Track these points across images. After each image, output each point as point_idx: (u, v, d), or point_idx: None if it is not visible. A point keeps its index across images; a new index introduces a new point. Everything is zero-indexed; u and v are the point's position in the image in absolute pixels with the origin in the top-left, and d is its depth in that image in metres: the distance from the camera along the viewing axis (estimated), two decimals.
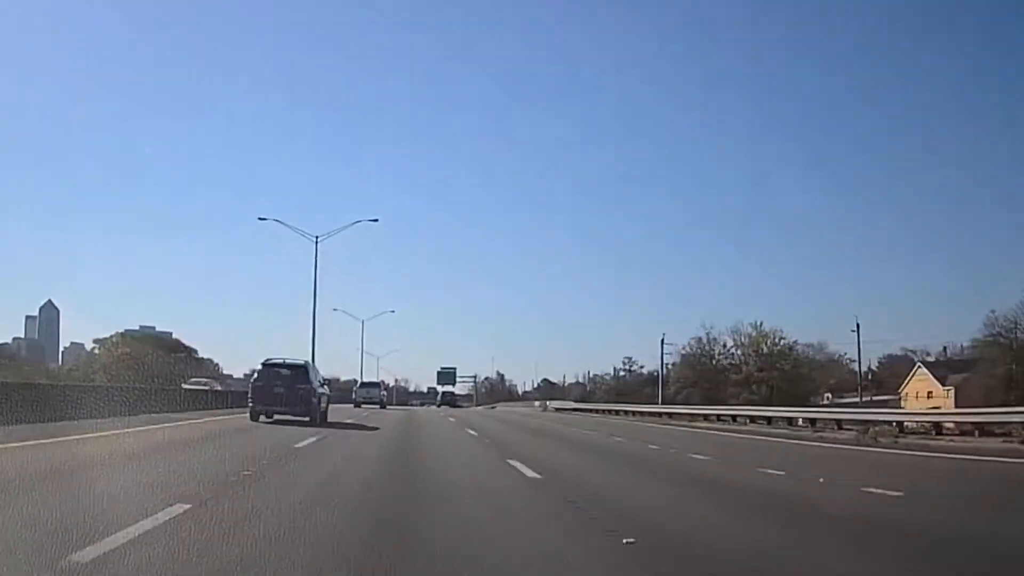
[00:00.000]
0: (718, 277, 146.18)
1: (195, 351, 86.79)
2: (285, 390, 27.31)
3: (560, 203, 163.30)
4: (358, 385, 74.09)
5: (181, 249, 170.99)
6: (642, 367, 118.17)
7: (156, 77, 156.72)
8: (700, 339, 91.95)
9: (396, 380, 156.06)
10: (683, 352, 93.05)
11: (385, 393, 72.59)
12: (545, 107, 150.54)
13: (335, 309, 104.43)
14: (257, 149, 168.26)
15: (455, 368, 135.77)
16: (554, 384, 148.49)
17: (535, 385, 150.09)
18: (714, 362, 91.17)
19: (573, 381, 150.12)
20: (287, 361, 29.18)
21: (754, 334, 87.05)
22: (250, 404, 27.81)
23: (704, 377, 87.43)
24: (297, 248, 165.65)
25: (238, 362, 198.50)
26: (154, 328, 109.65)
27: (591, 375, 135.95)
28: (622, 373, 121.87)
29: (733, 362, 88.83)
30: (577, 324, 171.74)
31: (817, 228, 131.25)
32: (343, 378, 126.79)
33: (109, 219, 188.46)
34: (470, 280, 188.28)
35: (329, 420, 29.44)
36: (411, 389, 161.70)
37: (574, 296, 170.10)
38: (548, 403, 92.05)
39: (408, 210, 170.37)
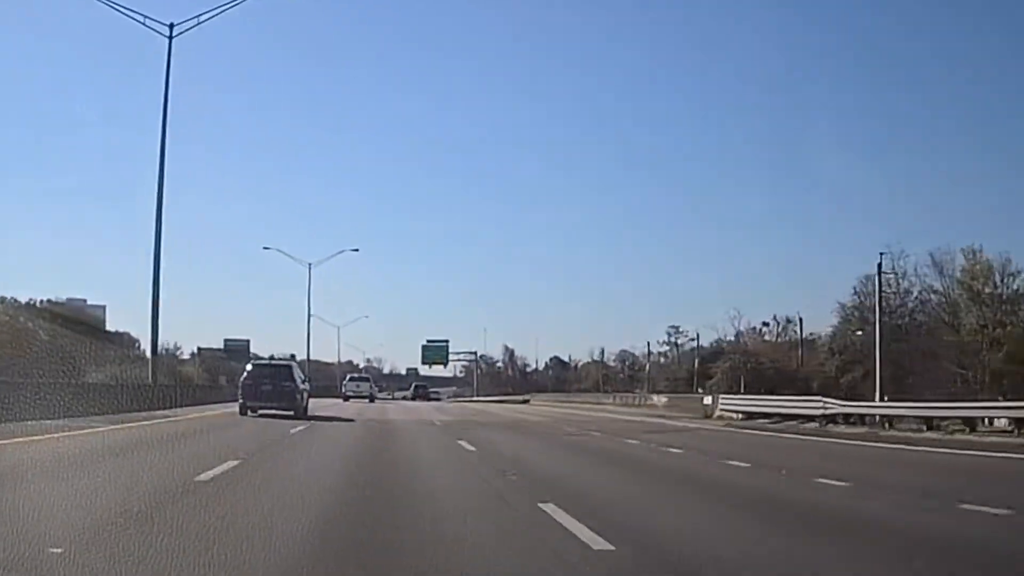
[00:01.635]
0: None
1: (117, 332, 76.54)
2: (272, 387, 29.71)
3: (577, 157, 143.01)
4: (347, 379, 75.27)
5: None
6: (692, 339, 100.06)
7: None
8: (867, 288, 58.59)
9: (368, 361, 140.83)
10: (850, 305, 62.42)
11: (373, 387, 76.60)
12: (565, 53, 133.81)
13: (265, 248, 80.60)
14: None
15: (447, 342, 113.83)
16: (566, 363, 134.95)
17: (544, 365, 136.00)
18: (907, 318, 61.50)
19: (588, 360, 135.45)
20: (274, 361, 34.61)
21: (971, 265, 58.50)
22: (240, 400, 30.50)
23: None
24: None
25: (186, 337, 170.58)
26: (84, 301, 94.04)
27: (614, 352, 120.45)
28: (665, 347, 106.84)
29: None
30: (589, 294, 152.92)
31: None
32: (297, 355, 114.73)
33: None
34: (463, 236, 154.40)
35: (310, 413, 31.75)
36: (387, 371, 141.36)
37: (590, 262, 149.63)
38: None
39: (398, 164, 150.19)
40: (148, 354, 37.72)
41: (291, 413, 29.01)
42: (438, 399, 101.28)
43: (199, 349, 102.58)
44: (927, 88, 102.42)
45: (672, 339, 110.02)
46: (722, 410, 37.02)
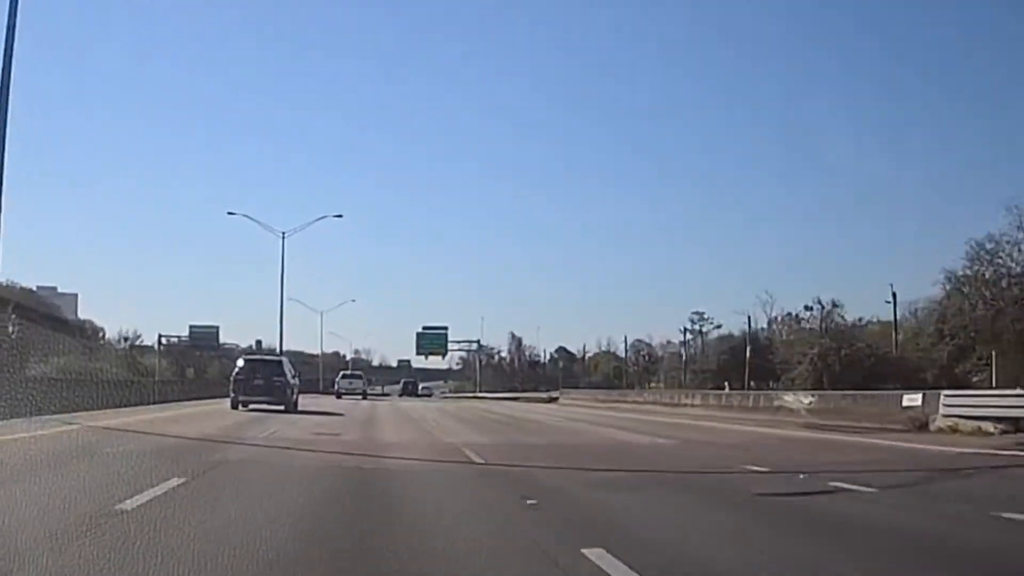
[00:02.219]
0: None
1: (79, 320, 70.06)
2: (263, 382, 30.77)
3: (585, 139, 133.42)
4: (340, 376, 73.96)
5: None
6: (718, 325, 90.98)
7: None
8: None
9: (356, 352, 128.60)
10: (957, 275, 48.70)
11: (366, 383, 76.21)
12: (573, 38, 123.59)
13: (230, 213, 65.94)
14: None
15: (446, 329, 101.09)
16: (572, 355, 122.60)
17: (549, 357, 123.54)
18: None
19: (597, 351, 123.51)
20: (265, 357, 37.13)
21: None
22: (232, 394, 31.09)
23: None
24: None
25: (146, 325, 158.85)
26: (54, 288, 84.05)
27: (627, 342, 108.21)
28: (683, 337, 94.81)
29: None
30: (595, 281, 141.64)
31: None
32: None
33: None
34: (460, 218, 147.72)
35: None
36: (376, 363, 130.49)
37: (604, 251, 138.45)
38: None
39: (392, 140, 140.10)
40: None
41: (282, 408, 29.86)
42: (428, 394, 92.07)
43: (161, 338, 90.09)
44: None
45: (696, 327, 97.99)
46: (949, 416, 23.11)
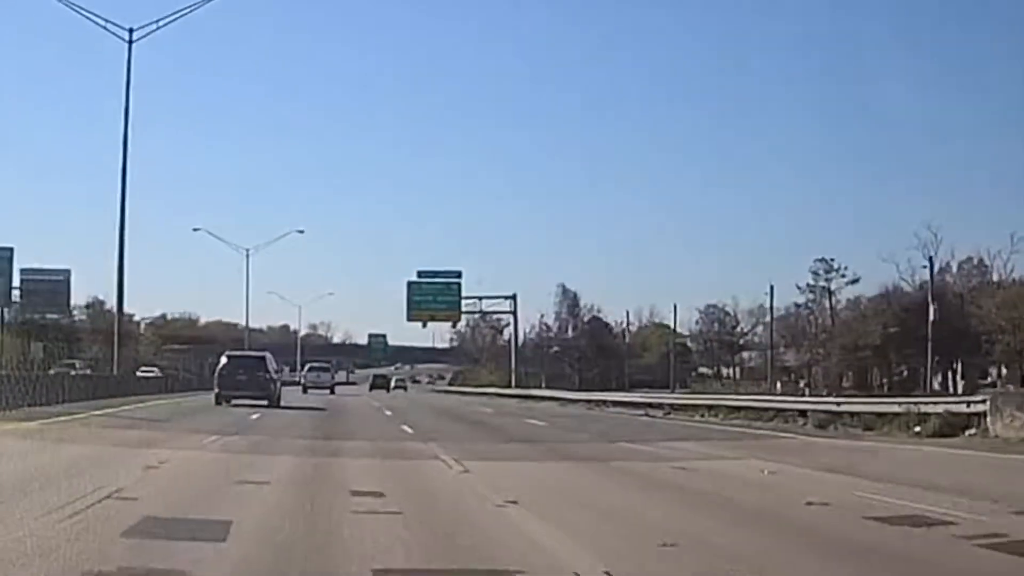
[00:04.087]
0: None
1: None
2: (247, 377, 31.66)
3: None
4: (306, 369, 66.15)
5: None
6: (854, 279, 67.92)
7: None
8: None
9: (313, 328, 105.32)
10: None
11: (333, 375, 68.26)
12: None
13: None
14: None
15: (458, 276, 67.97)
16: (608, 327, 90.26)
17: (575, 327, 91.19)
18: None
19: (639, 323, 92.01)
20: (249, 353, 37.79)
21: None
22: (216, 390, 31.97)
23: None
24: None
25: None
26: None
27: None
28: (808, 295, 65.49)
29: None
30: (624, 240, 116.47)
31: None
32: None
33: None
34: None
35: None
36: (336, 340, 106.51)
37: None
38: None
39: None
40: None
41: (265, 402, 30.65)
42: (403, 387, 79.75)
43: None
44: None
45: (821, 281, 67.49)
46: None
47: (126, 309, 79.89)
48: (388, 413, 31.39)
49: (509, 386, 65.67)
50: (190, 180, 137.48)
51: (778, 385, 75.18)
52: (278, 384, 33.71)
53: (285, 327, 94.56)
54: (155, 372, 56.04)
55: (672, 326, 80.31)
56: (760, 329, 75.57)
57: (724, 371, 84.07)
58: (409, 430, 22.12)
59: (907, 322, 60.17)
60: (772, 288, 68.16)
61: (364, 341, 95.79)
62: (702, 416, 31.70)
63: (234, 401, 30.70)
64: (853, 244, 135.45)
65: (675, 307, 77.87)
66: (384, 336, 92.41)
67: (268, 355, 35.21)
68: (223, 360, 33.28)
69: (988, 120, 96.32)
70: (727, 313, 79.86)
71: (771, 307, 67.86)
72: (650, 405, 39.11)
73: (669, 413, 34.51)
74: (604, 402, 43.05)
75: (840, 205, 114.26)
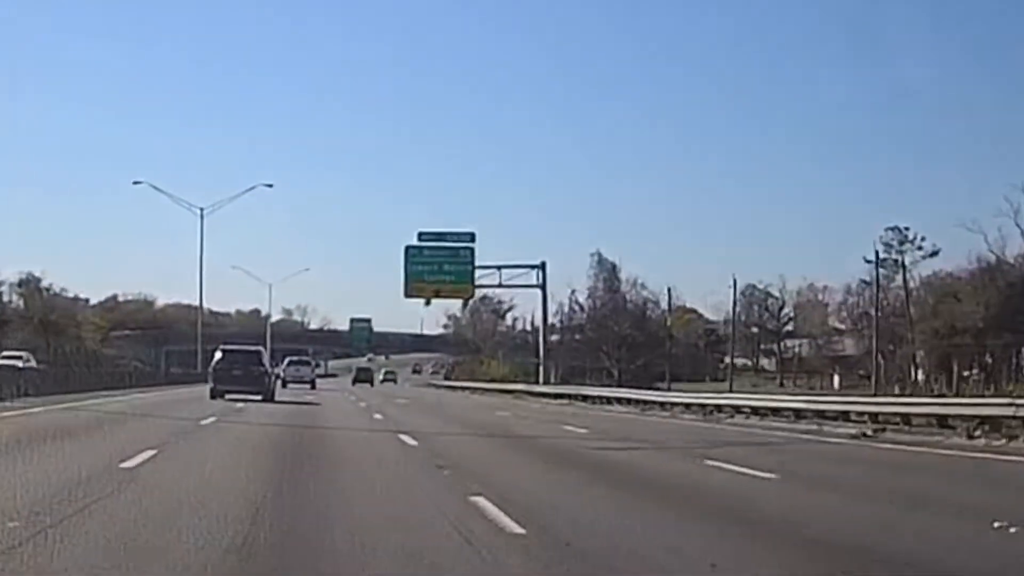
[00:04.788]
0: None
1: None
2: (242, 372, 32.10)
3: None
4: (286, 363, 58.08)
5: None
6: (934, 252, 60.75)
7: None
8: None
9: (288, 313, 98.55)
10: None
11: (313, 370, 62.11)
12: None
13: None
14: None
15: (471, 239, 55.65)
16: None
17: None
18: None
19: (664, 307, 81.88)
20: (244, 347, 35.08)
21: None
22: (211, 385, 32.48)
23: None
24: None
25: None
26: None
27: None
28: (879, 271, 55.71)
29: None
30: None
31: None
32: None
33: None
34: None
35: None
36: (313, 326, 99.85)
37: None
38: None
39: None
40: None
41: (260, 397, 31.31)
42: (392, 380, 73.01)
43: None
44: None
45: (894, 254, 58.07)
46: None
47: (72, 290, 69.26)
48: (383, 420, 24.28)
49: (536, 382, 54.38)
50: (155, 145, 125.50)
51: (835, 379, 65.59)
52: (272, 379, 34.98)
53: (256, 312, 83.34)
54: (27, 361, 40.37)
55: (701, 312, 69.71)
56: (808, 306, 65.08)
57: (763, 362, 73.75)
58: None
59: (1011, 300, 50.41)
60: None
61: (345, 327, 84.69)
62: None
63: (228, 396, 30.93)
64: (922, 213, 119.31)
65: (734, 280, 65.42)
66: (368, 321, 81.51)
67: (263, 349, 36.27)
68: (218, 355, 33.83)
69: None
70: (770, 295, 69.29)
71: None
72: (775, 411, 28.53)
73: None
74: (719, 407, 29.92)
75: (909, 171, 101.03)
